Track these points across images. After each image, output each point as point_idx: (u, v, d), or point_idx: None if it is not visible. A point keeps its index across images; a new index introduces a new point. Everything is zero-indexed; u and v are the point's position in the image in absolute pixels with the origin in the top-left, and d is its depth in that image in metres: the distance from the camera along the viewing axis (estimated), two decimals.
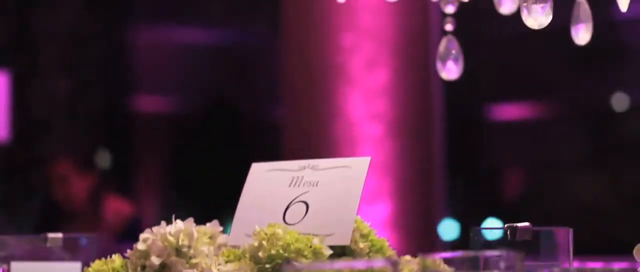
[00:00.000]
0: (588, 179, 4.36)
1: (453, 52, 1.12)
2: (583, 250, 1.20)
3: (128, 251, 1.19)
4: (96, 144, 4.23)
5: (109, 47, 4.44)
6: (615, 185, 4.33)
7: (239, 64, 4.71)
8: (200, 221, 1.21)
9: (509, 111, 4.51)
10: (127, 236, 3.04)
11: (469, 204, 4.27)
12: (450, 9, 1.13)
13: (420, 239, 2.39)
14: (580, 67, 4.14)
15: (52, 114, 4.15)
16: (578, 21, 1.04)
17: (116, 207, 3.18)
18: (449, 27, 1.13)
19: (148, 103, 4.84)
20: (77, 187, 3.16)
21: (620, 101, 4.31)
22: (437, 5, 1.16)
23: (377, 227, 1.16)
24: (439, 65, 1.13)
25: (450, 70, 1.13)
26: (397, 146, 2.32)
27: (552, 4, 0.90)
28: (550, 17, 0.91)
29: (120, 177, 4.37)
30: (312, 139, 2.48)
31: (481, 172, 4.53)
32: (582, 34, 1.05)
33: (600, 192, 4.32)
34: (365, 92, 2.32)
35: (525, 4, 0.91)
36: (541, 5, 0.90)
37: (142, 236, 1.18)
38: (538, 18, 0.91)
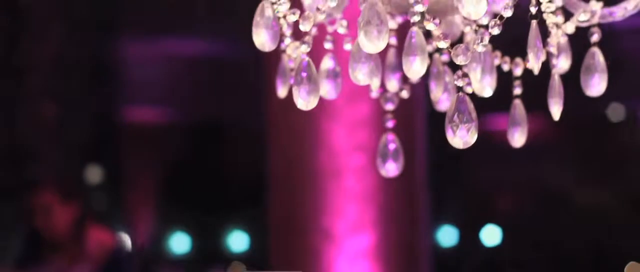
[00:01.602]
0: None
1: (392, 149, 1.12)
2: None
3: None
4: (81, 172, 4.22)
5: (95, 68, 4.43)
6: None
7: (223, 78, 4.71)
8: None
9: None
10: (110, 268, 3.01)
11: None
12: (389, 107, 1.13)
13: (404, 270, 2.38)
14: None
15: (37, 140, 4.13)
16: (553, 96, 1.04)
17: (99, 238, 3.15)
18: (389, 124, 1.13)
19: (137, 117, 4.84)
20: (60, 217, 3.14)
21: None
22: None
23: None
24: (378, 162, 1.12)
25: (389, 170, 1.13)
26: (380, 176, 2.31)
27: (477, 124, 0.92)
28: (475, 136, 0.93)
29: (111, 194, 4.36)
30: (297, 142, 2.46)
31: (468, 197, 4.53)
32: (555, 110, 1.05)
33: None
34: (348, 123, 2.32)
35: (451, 125, 0.93)
36: (466, 126, 0.93)
37: None
38: (464, 138, 0.93)
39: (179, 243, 4.89)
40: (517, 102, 1.09)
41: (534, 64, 0.94)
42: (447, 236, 4.64)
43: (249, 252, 4.84)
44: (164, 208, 4.77)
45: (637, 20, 1.16)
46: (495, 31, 0.94)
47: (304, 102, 0.98)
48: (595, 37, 1.07)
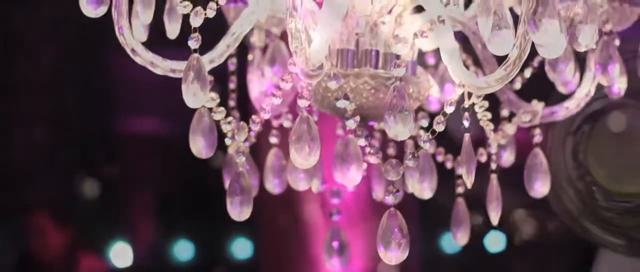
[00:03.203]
0: None
1: (336, 245, 1.10)
2: None
3: None
4: (75, 195, 4.21)
5: (89, 84, 4.43)
6: None
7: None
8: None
9: None
10: None
11: None
12: (335, 201, 1.11)
13: None
14: None
15: (31, 161, 4.13)
16: (491, 201, 1.04)
17: (90, 266, 3.16)
18: (335, 218, 1.11)
19: (137, 128, 4.83)
20: (53, 241, 3.15)
21: None
22: None
23: None
24: (324, 255, 1.10)
25: (335, 265, 1.11)
26: None
27: (409, 239, 0.90)
28: (407, 253, 0.91)
29: (112, 206, 4.35)
30: None
31: None
32: (493, 216, 1.04)
33: None
34: None
35: (382, 242, 0.91)
36: (397, 243, 0.92)
37: None
38: (395, 255, 0.91)
39: (182, 251, 4.89)
40: (460, 201, 1.08)
41: (467, 179, 0.93)
42: None
43: (252, 259, 4.84)
44: (167, 216, 4.78)
45: None
46: (427, 146, 0.93)
47: (237, 213, 0.98)
48: (537, 138, 1.06)
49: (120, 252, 3.43)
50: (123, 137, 4.63)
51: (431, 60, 1.15)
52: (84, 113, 4.36)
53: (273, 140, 1.12)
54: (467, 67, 1.04)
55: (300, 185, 1.02)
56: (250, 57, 1.16)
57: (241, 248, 4.80)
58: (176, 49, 1.05)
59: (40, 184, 4.11)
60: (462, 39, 1.05)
